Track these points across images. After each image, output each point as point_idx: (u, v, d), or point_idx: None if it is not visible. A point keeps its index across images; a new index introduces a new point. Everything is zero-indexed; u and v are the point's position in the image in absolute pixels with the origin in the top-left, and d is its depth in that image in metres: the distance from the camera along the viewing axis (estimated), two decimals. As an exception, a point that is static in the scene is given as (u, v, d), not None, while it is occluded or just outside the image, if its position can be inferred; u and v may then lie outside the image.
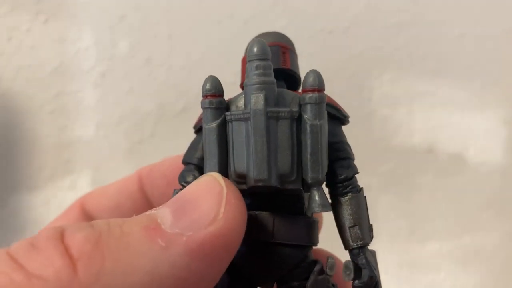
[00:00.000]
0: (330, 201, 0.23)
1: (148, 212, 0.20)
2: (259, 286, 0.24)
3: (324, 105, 0.22)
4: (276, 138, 0.21)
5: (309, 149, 0.21)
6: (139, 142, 0.55)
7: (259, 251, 0.22)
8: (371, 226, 0.23)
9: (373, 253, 0.24)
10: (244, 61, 0.25)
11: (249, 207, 0.21)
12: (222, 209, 0.19)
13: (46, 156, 0.55)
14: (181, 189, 0.23)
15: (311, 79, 0.21)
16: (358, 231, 0.22)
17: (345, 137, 0.24)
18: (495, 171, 0.55)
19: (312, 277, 0.22)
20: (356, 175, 0.24)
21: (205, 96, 0.22)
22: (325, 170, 0.22)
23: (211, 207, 0.19)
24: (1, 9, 0.54)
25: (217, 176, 0.21)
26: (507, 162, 0.55)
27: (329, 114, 0.22)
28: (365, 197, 0.23)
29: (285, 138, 0.21)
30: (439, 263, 0.56)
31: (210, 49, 0.54)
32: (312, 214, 0.24)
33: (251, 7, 0.54)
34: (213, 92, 0.22)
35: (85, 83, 0.54)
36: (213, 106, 0.22)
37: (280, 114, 0.21)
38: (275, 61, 0.24)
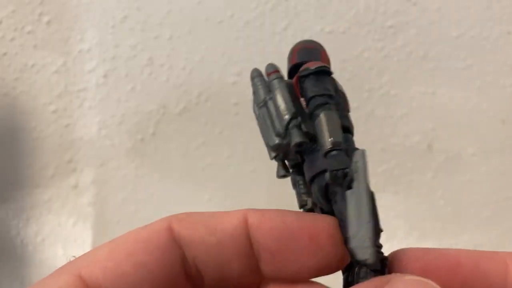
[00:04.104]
0: None
1: None
2: None
3: None
4: None
5: None
6: (141, 141, 0.55)
7: None
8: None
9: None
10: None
11: None
12: None
13: (49, 155, 0.55)
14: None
15: None
16: None
17: None
18: (494, 171, 0.56)
19: None
20: None
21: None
22: None
23: None
24: (4, 10, 0.54)
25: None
26: (505, 161, 0.56)
27: None
28: None
29: None
30: (438, 261, 0.56)
31: (211, 50, 0.54)
32: None
33: (251, 8, 0.54)
34: None
35: (88, 83, 0.55)
36: None
37: None
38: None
